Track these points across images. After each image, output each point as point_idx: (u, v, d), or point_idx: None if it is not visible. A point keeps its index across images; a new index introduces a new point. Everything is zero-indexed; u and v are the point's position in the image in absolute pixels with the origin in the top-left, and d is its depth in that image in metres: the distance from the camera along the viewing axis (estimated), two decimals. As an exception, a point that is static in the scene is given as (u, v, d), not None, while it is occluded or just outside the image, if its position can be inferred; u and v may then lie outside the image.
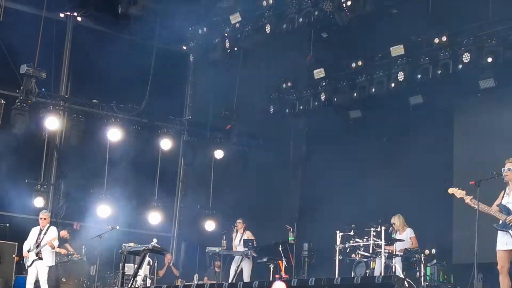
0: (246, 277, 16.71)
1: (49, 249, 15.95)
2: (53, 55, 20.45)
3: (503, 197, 11.03)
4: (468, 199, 11.03)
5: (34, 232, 16.25)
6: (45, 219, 16.29)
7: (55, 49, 20.61)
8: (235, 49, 19.73)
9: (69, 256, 17.85)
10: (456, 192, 11.34)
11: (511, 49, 15.76)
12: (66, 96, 20.63)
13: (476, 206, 10.92)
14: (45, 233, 16.04)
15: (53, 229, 16.26)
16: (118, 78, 20.17)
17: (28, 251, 16.07)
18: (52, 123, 19.83)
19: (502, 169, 10.98)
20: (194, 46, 21.20)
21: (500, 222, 10.81)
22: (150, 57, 20.29)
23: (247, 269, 16.91)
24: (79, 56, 20.95)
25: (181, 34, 21.29)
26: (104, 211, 20.06)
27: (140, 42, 21.23)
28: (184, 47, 21.88)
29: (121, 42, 20.73)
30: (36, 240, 16.02)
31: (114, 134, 20.53)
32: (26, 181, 19.79)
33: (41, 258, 15.93)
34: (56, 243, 16.07)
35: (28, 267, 16.07)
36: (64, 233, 18.14)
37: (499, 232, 10.86)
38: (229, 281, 16.85)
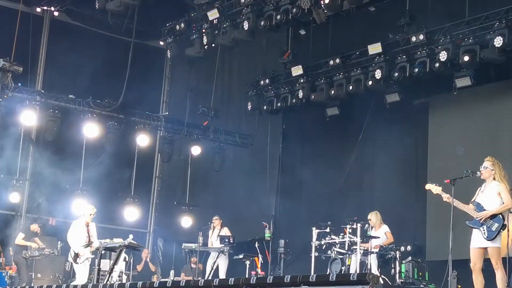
0: (222, 274, 16.72)
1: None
2: (29, 50, 20.36)
3: (478, 194, 11.10)
4: (445, 198, 11.09)
5: (80, 227, 15.71)
6: (94, 215, 15.85)
7: (32, 44, 20.51)
8: (213, 45, 19.68)
9: (40, 250, 17.73)
10: (433, 188, 11.39)
11: (487, 48, 15.83)
12: (43, 91, 20.50)
13: (449, 201, 10.99)
14: (91, 230, 15.71)
15: (94, 225, 15.92)
16: (95, 74, 20.12)
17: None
18: (28, 118, 19.73)
19: (481, 166, 11.03)
20: (172, 42, 21.13)
21: (473, 219, 10.88)
22: (127, 52, 20.21)
23: (223, 265, 16.91)
24: (55, 51, 20.86)
25: (159, 30, 21.25)
26: (80, 206, 19.97)
27: (117, 38, 21.18)
28: (162, 43, 21.81)
29: (98, 38, 20.67)
30: (88, 238, 15.54)
31: (90, 130, 20.45)
32: (1, 176, 19.70)
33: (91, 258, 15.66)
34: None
35: (77, 264, 15.49)
36: (34, 227, 17.99)
37: (473, 230, 10.93)
38: (205, 277, 16.86)
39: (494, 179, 10.95)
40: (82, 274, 15.42)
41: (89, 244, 15.38)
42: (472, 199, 11.09)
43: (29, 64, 20.22)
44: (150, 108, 22.19)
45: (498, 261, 10.64)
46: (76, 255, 15.37)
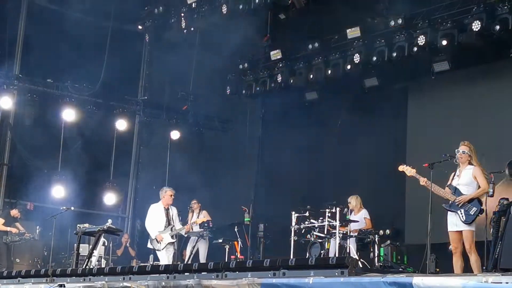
0: (202, 258, 16.73)
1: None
2: (6, 34, 20.20)
3: (453, 178, 11.17)
4: (422, 181, 11.15)
5: (158, 211, 15.29)
6: (174, 196, 15.35)
7: (9, 28, 20.34)
8: (192, 29, 19.65)
9: (21, 235, 17.69)
10: (407, 169, 11.46)
11: (465, 32, 15.88)
12: (20, 76, 20.38)
13: (423, 183, 11.06)
14: (173, 214, 15.35)
15: (175, 208, 15.51)
16: (73, 58, 19.99)
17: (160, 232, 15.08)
18: (6, 102, 19.63)
19: (456, 150, 11.11)
20: (150, 26, 21.06)
21: (449, 202, 10.95)
22: (106, 36, 20.11)
23: (203, 249, 16.92)
24: (33, 35, 20.68)
25: (137, 14, 21.15)
26: (58, 191, 19.93)
27: (95, 21, 21.04)
28: (140, 27, 21.72)
29: (76, 22, 20.52)
30: (168, 221, 15.14)
31: (68, 114, 20.37)
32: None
33: (173, 242, 15.20)
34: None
35: (159, 250, 15.12)
36: (15, 212, 17.98)
37: (448, 213, 11.00)
38: (185, 262, 16.86)
39: (469, 163, 11.04)
40: (165, 261, 14.89)
41: (169, 228, 14.93)
42: (448, 183, 11.17)
43: (6, 48, 20.09)
44: (129, 93, 22.11)
45: (471, 244, 10.74)
46: (156, 241, 15.02)
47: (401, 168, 11.61)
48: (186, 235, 15.55)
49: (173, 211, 15.20)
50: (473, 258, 10.70)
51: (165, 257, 14.88)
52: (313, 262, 9.24)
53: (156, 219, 15.02)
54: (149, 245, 15.53)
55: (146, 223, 15.33)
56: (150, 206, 15.43)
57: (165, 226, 14.93)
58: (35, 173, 19.96)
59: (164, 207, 15.08)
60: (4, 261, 17.26)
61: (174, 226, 14.99)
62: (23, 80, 20.21)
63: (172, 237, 14.88)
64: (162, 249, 14.86)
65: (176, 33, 19.98)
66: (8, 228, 17.47)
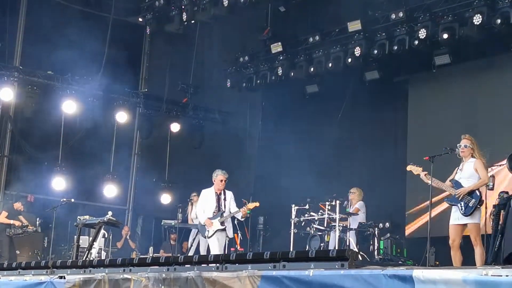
0: (203, 250, 16.73)
1: (229, 218, 14.09)
2: (7, 26, 20.17)
3: (456, 172, 11.18)
4: (423, 175, 11.18)
5: (209, 196, 14.19)
6: (225, 180, 14.12)
7: (10, 20, 20.32)
8: (192, 22, 19.62)
9: (24, 228, 17.72)
10: (414, 169, 11.48)
11: (466, 26, 15.88)
12: (21, 67, 20.35)
13: (429, 182, 11.07)
14: (225, 198, 14.12)
15: (231, 193, 14.31)
16: (74, 50, 19.97)
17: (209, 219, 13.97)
18: (6, 94, 19.61)
19: (458, 145, 11.12)
20: (151, 18, 21.02)
21: (451, 196, 10.97)
22: (106, 29, 20.09)
23: (203, 242, 16.89)
24: (34, 27, 20.67)
25: (137, 6, 21.13)
26: (58, 183, 19.93)
27: (96, 14, 21.02)
28: (140, 19, 21.67)
29: (77, 14, 20.51)
30: (218, 207, 14.02)
31: (69, 106, 20.34)
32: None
33: (225, 228, 14.00)
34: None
35: (208, 237, 14.04)
36: (18, 205, 18.01)
37: (452, 207, 11.02)
38: (186, 253, 16.88)
39: (472, 156, 11.06)
40: (214, 249, 13.87)
41: (219, 214, 13.89)
42: (451, 177, 11.19)
43: (7, 40, 20.06)
44: (129, 85, 22.07)
45: (477, 237, 10.75)
46: (205, 228, 14.02)
47: (408, 168, 11.64)
48: (243, 219, 14.50)
49: (227, 196, 14.09)
50: (478, 251, 10.72)
51: (216, 245, 13.85)
52: (313, 255, 9.24)
53: (206, 204, 14.04)
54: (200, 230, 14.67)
55: (197, 209, 14.53)
56: (202, 191, 14.42)
57: (214, 212, 13.94)
58: (35, 165, 19.95)
59: (216, 192, 14.01)
60: (6, 253, 17.29)
61: (224, 212, 13.94)
62: (24, 72, 20.18)
63: (221, 223, 13.81)
64: (211, 237, 13.86)
65: (177, 26, 19.95)
66: (12, 221, 17.50)
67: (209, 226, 13.86)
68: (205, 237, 14.09)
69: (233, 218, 16.77)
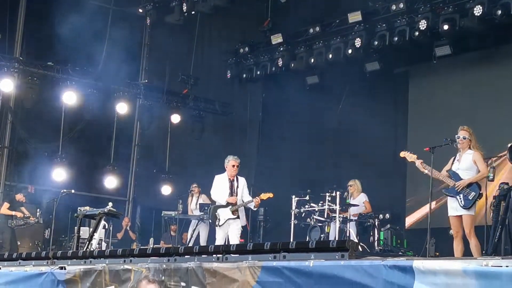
0: (203, 241, 16.79)
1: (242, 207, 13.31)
2: (7, 17, 20.15)
3: (453, 163, 11.17)
4: (418, 163, 11.16)
5: (221, 182, 13.46)
6: (237, 166, 13.39)
7: (10, 10, 20.29)
8: (193, 12, 19.59)
9: (26, 219, 17.75)
10: (408, 155, 11.47)
11: (467, 17, 15.88)
12: (21, 58, 20.33)
13: (425, 171, 11.07)
14: (237, 186, 13.36)
15: (244, 180, 13.59)
16: (74, 41, 19.95)
17: (221, 207, 13.30)
18: (7, 85, 19.59)
19: (456, 136, 11.11)
20: (151, 9, 21.00)
21: (449, 187, 10.97)
22: (106, 19, 20.06)
23: (204, 233, 16.97)
24: (34, 17, 20.64)
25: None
26: (59, 174, 19.94)
27: (96, 4, 20.98)
28: (141, 10, 21.66)
29: (77, 4, 20.47)
30: (231, 194, 13.26)
31: (69, 97, 20.32)
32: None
33: (238, 217, 13.26)
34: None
35: (219, 226, 13.31)
36: (20, 196, 18.03)
37: (448, 198, 11.01)
38: (186, 244, 16.91)
39: (470, 148, 11.05)
40: (220, 238, 13.29)
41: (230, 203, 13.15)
42: (447, 168, 11.17)
43: (7, 31, 20.03)
44: (130, 76, 22.04)
45: (471, 229, 10.76)
46: (214, 217, 13.36)
47: (402, 154, 11.63)
48: (255, 209, 13.97)
49: (240, 183, 13.37)
50: (473, 243, 10.72)
51: (221, 235, 13.23)
52: (313, 246, 9.24)
53: (218, 191, 13.35)
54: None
55: (212, 195, 13.62)
56: (215, 176, 13.68)
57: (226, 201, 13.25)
58: (36, 156, 19.96)
59: (229, 178, 13.29)
60: (8, 244, 17.33)
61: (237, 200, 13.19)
62: (24, 63, 20.16)
63: (233, 212, 13.13)
64: (221, 225, 13.17)
65: (177, 16, 19.92)
66: (13, 212, 17.54)
67: (232, 201, 13.16)
68: (216, 226, 13.36)
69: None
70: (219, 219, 13.23)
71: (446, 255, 11.55)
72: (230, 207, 13.12)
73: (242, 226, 13.36)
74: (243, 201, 13.26)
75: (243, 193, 13.36)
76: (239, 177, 13.41)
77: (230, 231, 13.14)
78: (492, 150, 12.92)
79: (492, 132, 15.27)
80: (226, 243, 12.92)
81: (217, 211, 13.26)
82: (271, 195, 13.55)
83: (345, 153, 19.43)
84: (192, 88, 22.17)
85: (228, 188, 13.22)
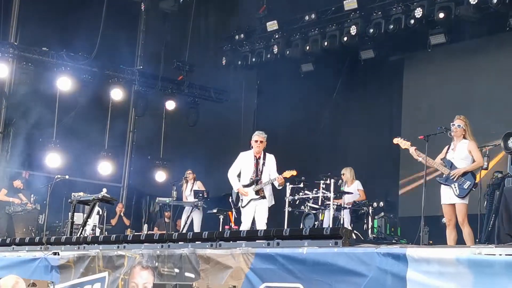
0: (197, 228, 16.79)
1: (268, 185, 12.41)
2: (2, 2, 20.07)
3: (447, 151, 11.16)
4: (412, 150, 11.15)
5: (245, 160, 12.58)
6: (261, 142, 12.53)
7: (4, -4, 20.23)
8: (188, -1, 19.57)
9: (23, 206, 17.76)
10: (401, 142, 11.46)
11: (462, 5, 15.87)
12: (16, 44, 20.27)
13: (419, 158, 11.05)
14: (264, 163, 12.49)
15: (273, 157, 12.60)
16: (69, 26, 19.89)
17: (244, 186, 12.43)
18: (1, 71, 19.54)
19: (451, 124, 11.09)
20: (147, -5, 20.98)
21: (444, 176, 10.97)
22: (102, 5, 19.99)
23: (197, 219, 16.97)
24: (29, 3, 20.57)
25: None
26: (53, 160, 19.92)
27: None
28: (136, -4, 21.62)
29: (72, -11, 20.41)
30: (256, 173, 12.38)
31: (64, 83, 20.28)
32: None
33: (263, 197, 12.42)
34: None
35: (242, 207, 12.50)
36: (17, 183, 18.06)
37: (442, 186, 11.02)
38: (180, 231, 16.93)
39: (464, 137, 11.04)
40: (245, 220, 12.45)
41: (254, 182, 12.32)
42: (441, 156, 11.17)
43: (1, 17, 19.95)
44: (125, 62, 21.99)
45: (464, 217, 10.76)
46: (238, 197, 12.55)
47: (395, 140, 11.62)
48: (280, 187, 12.76)
49: (267, 161, 12.45)
50: (466, 231, 10.73)
51: (246, 217, 12.37)
52: (307, 233, 9.28)
53: (242, 170, 12.46)
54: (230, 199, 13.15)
55: (228, 174, 12.72)
56: (240, 153, 12.82)
57: (251, 179, 12.39)
58: (30, 142, 19.93)
59: (255, 156, 12.41)
60: (4, 231, 17.34)
61: (260, 179, 12.33)
62: (19, 48, 20.10)
63: (256, 192, 12.25)
64: (245, 206, 12.37)
65: (172, 3, 19.88)
66: (11, 199, 17.54)
67: (242, 194, 12.42)
68: (239, 208, 12.56)
69: (228, 195, 16.76)
70: (241, 200, 12.43)
71: (440, 243, 11.56)
72: (254, 186, 12.28)
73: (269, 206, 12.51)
74: (270, 179, 12.37)
75: (271, 171, 12.49)
76: (267, 154, 12.57)
77: (257, 213, 12.32)
78: (486, 138, 12.94)
79: (486, 120, 15.29)
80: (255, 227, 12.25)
81: (239, 189, 12.50)
82: (294, 172, 12.80)
83: (339, 140, 19.44)
84: (187, 75, 22.14)
85: (254, 166, 12.36)
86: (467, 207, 10.89)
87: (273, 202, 12.62)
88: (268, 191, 12.43)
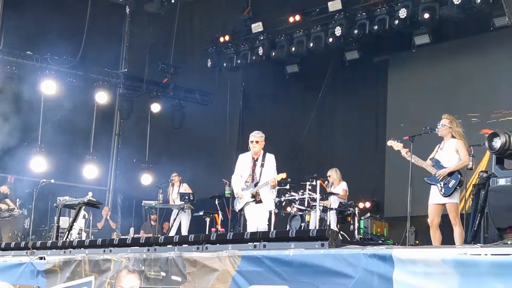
0: (184, 230, 16.76)
1: (267, 188, 11.93)
2: (-15, 6, 20.02)
3: (437, 151, 11.20)
4: (404, 152, 11.18)
5: (243, 162, 12.16)
6: (257, 142, 11.98)
7: (-13, 0, 20.15)
8: (172, 1, 19.53)
9: (10, 211, 17.68)
10: (395, 144, 11.47)
11: (447, 6, 15.91)
12: (0, 48, 20.19)
13: (411, 160, 11.07)
14: (262, 165, 11.99)
15: (272, 157, 12.12)
16: (53, 30, 19.83)
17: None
18: (-15, 74, 19.49)
19: (438, 124, 11.11)
20: (131, -2, 20.95)
21: (431, 176, 10.99)
22: (86, 8, 19.94)
23: (185, 222, 16.93)
24: (13, 7, 20.49)
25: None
26: (38, 164, 19.85)
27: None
28: (120, -1, 21.60)
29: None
30: (252, 176, 11.94)
31: (48, 87, 20.22)
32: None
33: (260, 201, 11.96)
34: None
35: (239, 210, 12.27)
36: (4, 188, 17.97)
37: (431, 186, 11.04)
38: (167, 234, 16.89)
39: (452, 136, 11.06)
40: (248, 224, 12.15)
41: (253, 184, 11.87)
42: (431, 156, 11.20)
43: (-15, 20, 19.91)
44: (109, 65, 21.96)
45: (456, 217, 10.78)
46: (236, 200, 12.26)
47: (389, 143, 11.62)
48: (272, 190, 12.16)
49: (266, 162, 11.95)
50: (458, 231, 10.74)
51: (248, 220, 12.02)
52: (293, 235, 9.27)
53: (240, 172, 12.08)
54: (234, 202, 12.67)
55: (231, 179, 12.47)
56: (239, 156, 12.47)
57: (246, 181, 12.01)
58: (15, 146, 19.85)
59: (252, 157, 11.97)
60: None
61: (258, 182, 11.88)
62: (3, 52, 20.02)
63: (253, 195, 11.86)
64: (240, 210, 12.10)
65: (157, 5, 19.85)
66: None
67: (238, 196, 12.10)
68: (234, 210, 12.52)
69: (214, 197, 16.74)
70: (237, 202, 12.18)
71: (426, 243, 11.58)
72: (251, 189, 11.84)
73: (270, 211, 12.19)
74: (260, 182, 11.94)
75: (269, 173, 11.95)
76: (267, 154, 12.05)
77: (256, 217, 11.90)
78: (471, 139, 12.95)
79: (471, 120, 15.33)
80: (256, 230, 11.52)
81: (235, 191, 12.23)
82: (284, 175, 12.22)
83: (325, 141, 19.46)
84: (172, 77, 22.11)
85: (250, 168, 11.94)
86: (458, 206, 10.92)
87: (273, 206, 12.40)
88: (265, 195, 11.99)
